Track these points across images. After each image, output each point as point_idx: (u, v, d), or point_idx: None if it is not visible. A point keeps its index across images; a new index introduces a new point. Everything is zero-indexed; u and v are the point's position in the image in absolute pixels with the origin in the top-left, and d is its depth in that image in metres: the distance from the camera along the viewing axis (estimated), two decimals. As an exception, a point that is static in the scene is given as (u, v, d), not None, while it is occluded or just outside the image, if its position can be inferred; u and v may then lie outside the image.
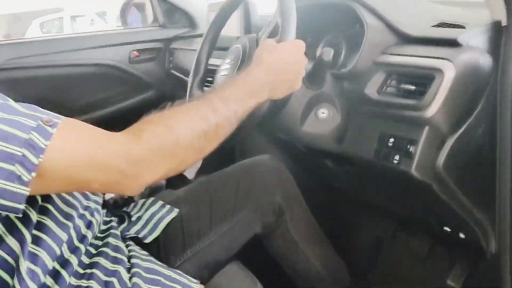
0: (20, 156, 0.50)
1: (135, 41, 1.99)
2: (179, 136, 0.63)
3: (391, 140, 0.92)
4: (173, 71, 1.99)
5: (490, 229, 0.92)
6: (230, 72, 0.97)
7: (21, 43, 1.87)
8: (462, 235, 0.99)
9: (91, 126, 0.60)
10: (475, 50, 0.82)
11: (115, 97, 2.02)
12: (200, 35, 1.81)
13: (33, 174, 0.51)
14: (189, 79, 1.15)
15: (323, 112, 1.05)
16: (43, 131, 0.53)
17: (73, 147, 0.56)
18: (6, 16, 16.81)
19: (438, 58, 0.82)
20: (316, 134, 1.05)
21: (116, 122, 2.02)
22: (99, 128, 0.61)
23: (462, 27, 0.87)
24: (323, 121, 1.05)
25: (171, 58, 2.01)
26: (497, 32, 0.83)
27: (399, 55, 0.91)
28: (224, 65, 1.02)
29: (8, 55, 1.76)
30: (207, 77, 1.18)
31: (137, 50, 1.99)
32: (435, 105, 0.82)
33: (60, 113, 0.59)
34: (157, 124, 0.63)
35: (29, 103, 0.59)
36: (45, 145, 0.52)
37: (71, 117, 0.59)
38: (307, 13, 1.12)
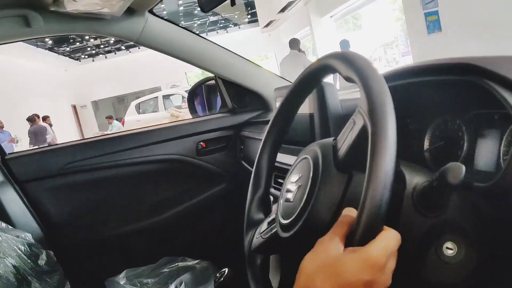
0: None
1: (203, 130, 1.77)
2: None
3: None
4: (243, 162, 1.72)
5: None
6: (297, 199, 0.65)
7: (83, 143, 1.74)
8: None
9: None
10: None
11: (184, 193, 1.80)
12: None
13: None
14: (248, 197, 0.84)
15: (448, 248, 0.67)
16: None
17: None
18: (111, 99, 18.65)
19: None
20: (442, 283, 0.67)
21: (187, 220, 1.79)
22: None
23: None
24: (451, 262, 0.67)
25: (242, 147, 1.74)
26: None
27: None
28: (289, 184, 0.70)
29: (67, 159, 1.62)
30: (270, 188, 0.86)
31: (205, 141, 1.77)
32: None
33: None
34: None
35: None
36: None
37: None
38: (409, 90, 0.78)
